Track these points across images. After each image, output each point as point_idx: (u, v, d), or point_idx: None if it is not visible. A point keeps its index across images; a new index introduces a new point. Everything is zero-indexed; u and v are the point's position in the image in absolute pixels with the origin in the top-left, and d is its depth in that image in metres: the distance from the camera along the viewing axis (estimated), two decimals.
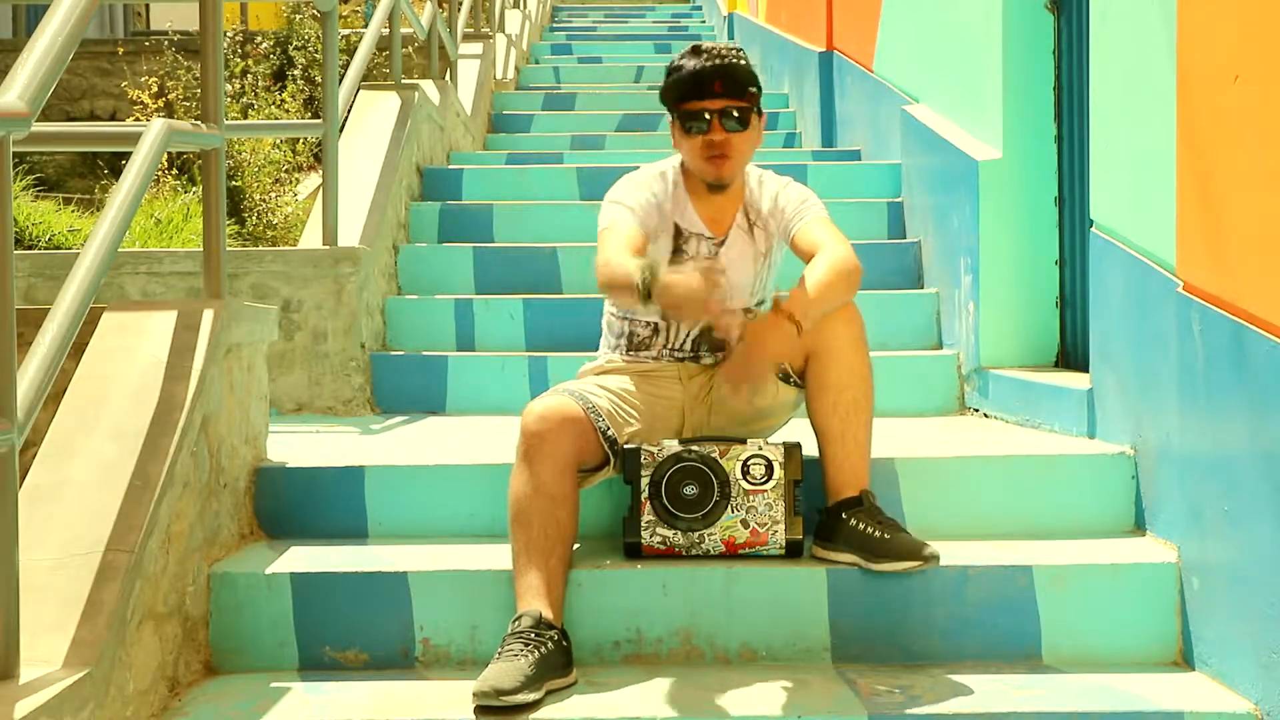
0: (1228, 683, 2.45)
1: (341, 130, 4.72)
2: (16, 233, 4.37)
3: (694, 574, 2.69)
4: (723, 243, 2.94)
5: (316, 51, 9.39)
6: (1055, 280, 3.97)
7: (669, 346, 2.98)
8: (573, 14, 13.95)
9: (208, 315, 2.80)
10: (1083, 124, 3.66)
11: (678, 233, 2.94)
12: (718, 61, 2.82)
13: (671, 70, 2.88)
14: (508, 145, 7.18)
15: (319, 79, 8.76)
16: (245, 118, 8.12)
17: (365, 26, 9.05)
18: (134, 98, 8.66)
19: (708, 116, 2.82)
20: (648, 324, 2.99)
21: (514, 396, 3.97)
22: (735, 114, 2.83)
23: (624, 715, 2.35)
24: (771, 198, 2.96)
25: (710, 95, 2.82)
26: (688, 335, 2.98)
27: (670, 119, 2.92)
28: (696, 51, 2.86)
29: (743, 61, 2.86)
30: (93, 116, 10.01)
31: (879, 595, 2.66)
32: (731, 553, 2.73)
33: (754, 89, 2.86)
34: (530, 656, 2.40)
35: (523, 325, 4.51)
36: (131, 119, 8.72)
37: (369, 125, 5.32)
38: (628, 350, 3.01)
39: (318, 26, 9.40)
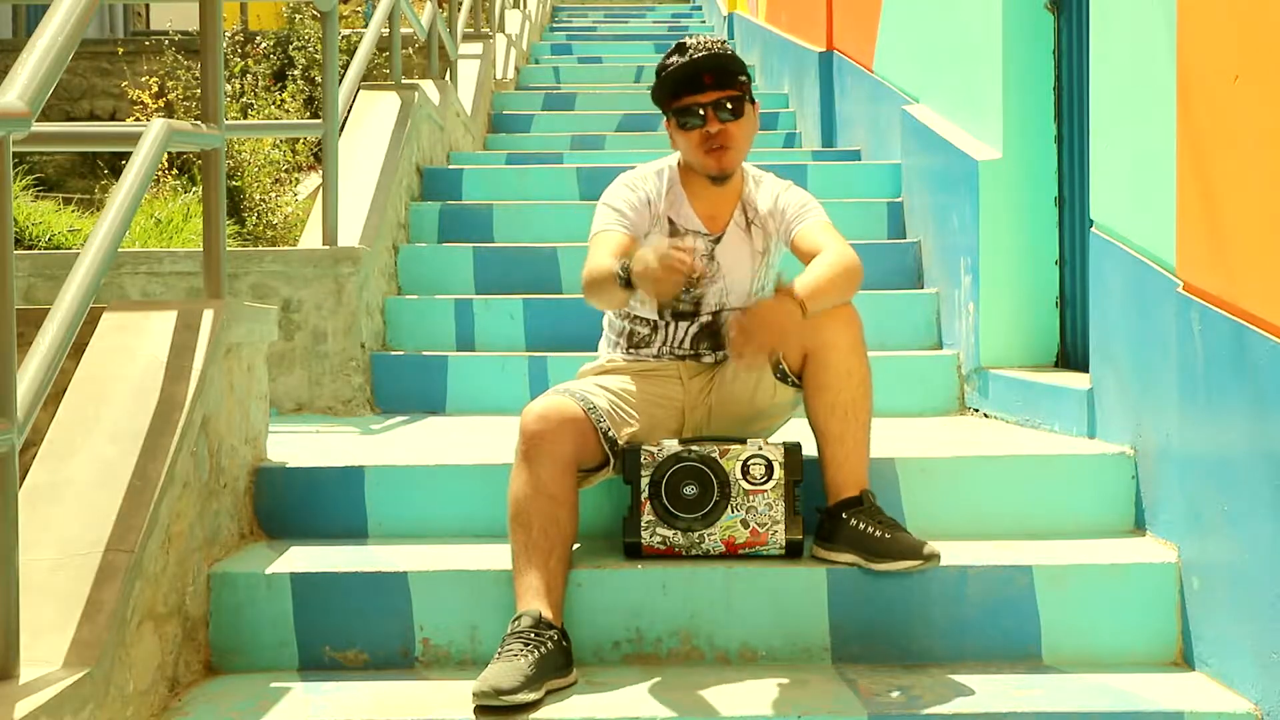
0: (1228, 683, 2.45)
1: (341, 130, 4.72)
2: (16, 233, 4.37)
3: (694, 574, 2.69)
4: (719, 240, 2.95)
5: (316, 51, 9.39)
6: (1055, 280, 3.97)
7: (669, 344, 2.98)
8: (573, 14, 13.95)
9: (208, 315, 2.80)
10: (1083, 124, 3.66)
11: (673, 231, 2.94)
12: (705, 54, 2.84)
13: (661, 70, 2.89)
14: (508, 145, 7.18)
15: (319, 79, 8.76)
16: (245, 118, 8.12)
17: (365, 26, 9.06)
18: (134, 98, 8.67)
19: (701, 111, 2.84)
20: (647, 322, 2.99)
21: (514, 396, 3.97)
22: (729, 105, 2.84)
23: (624, 715, 2.35)
24: (771, 198, 2.97)
25: (702, 89, 2.83)
26: (687, 333, 2.98)
27: (665, 119, 2.92)
28: (682, 49, 2.88)
29: (729, 51, 2.87)
30: (93, 116, 10.01)
31: (879, 595, 2.66)
32: (731, 553, 2.73)
33: (744, 77, 2.88)
34: (530, 656, 2.40)
35: (523, 325, 4.51)
36: (131, 119, 8.72)
37: (369, 125, 5.32)
38: (628, 349, 3.01)
39: (318, 26, 9.40)
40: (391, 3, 5.55)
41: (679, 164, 2.98)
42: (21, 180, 7.15)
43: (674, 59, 2.87)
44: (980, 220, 4.04)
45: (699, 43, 2.87)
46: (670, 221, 2.94)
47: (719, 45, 2.87)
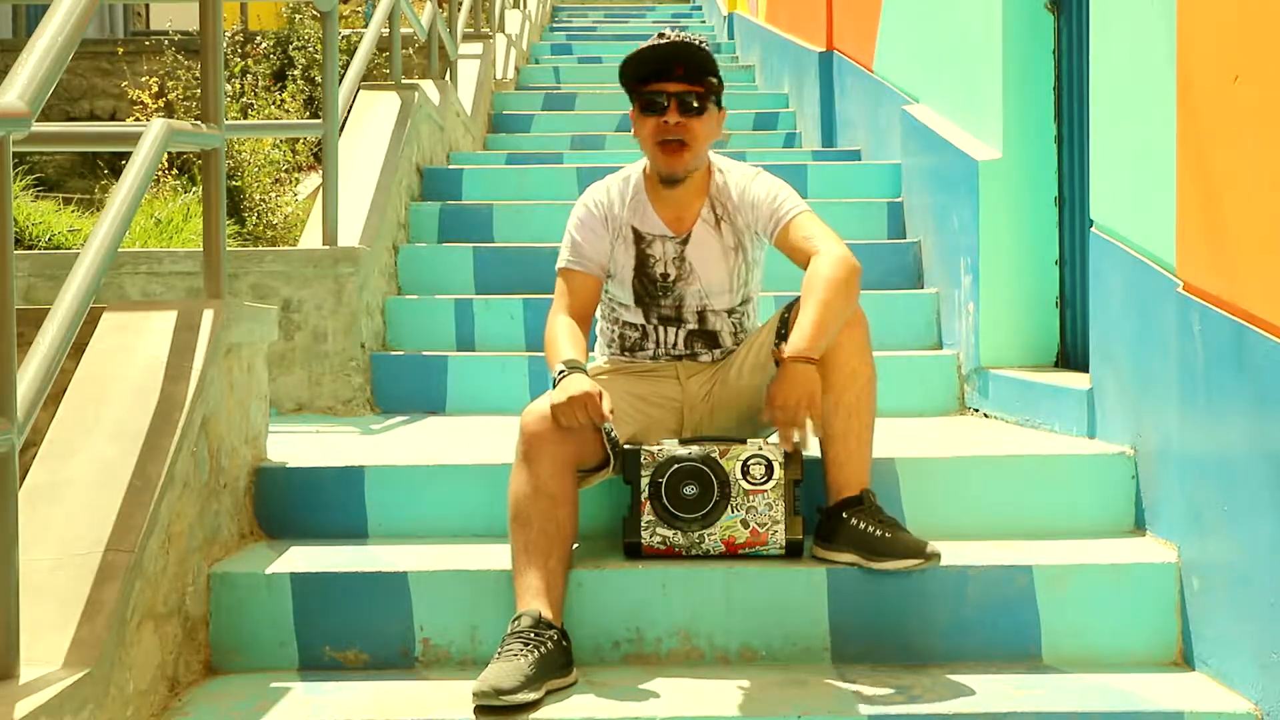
0: (1228, 683, 2.45)
1: (341, 130, 4.72)
2: (16, 233, 4.37)
3: (694, 574, 2.69)
4: (686, 240, 2.94)
5: (316, 51, 9.39)
6: (1055, 280, 3.97)
7: (662, 346, 2.98)
8: (573, 14, 13.96)
9: (208, 315, 2.80)
10: (1083, 124, 3.66)
11: (638, 237, 2.94)
12: (680, 44, 2.84)
13: (633, 52, 2.88)
14: (508, 145, 7.18)
15: (319, 79, 8.76)
16: (245, 118, 8.11)
17: (365, 26, 9.06)
18: (134, 98, 8.66)
19: (664, 103, 2.83)
20: (636, 327, 2.99)
21: (514, 396, 3.97)
22: (694, 101, 2.83)
23: (624, 715, 2.35)
24: (739, 190, 2.94)
25: (670, 78, 2.83)
26: (678, 335, 2.98)
27: (630, 108, 2.92)
28: (660, 37, 2.88)
29: (705, 49, 2.87)
30: (93, 116, 10.00)
31: (879, 595, 2.66)
32: (731, 553, 2.73)
33: (714, 79, 2.87)
34: (530, 656, 2.40)
35: (523, 325, 4.51)
36: (131, 119, 8.72)
37: (369, 125, 5.32)
38: (621, 351, 3.01)
39: (318, 26, 9.39)
40: (391, 3, 5.55)
41: (645, 169, 2.97)
42: (21, 180, 7.14)
43: (649, 44, 2.87)
44: (980, 220, 4.04)
45: (678, 36, 2.88)
46: (634, 230, 2.94)
47: (696, 41, 2.88)
